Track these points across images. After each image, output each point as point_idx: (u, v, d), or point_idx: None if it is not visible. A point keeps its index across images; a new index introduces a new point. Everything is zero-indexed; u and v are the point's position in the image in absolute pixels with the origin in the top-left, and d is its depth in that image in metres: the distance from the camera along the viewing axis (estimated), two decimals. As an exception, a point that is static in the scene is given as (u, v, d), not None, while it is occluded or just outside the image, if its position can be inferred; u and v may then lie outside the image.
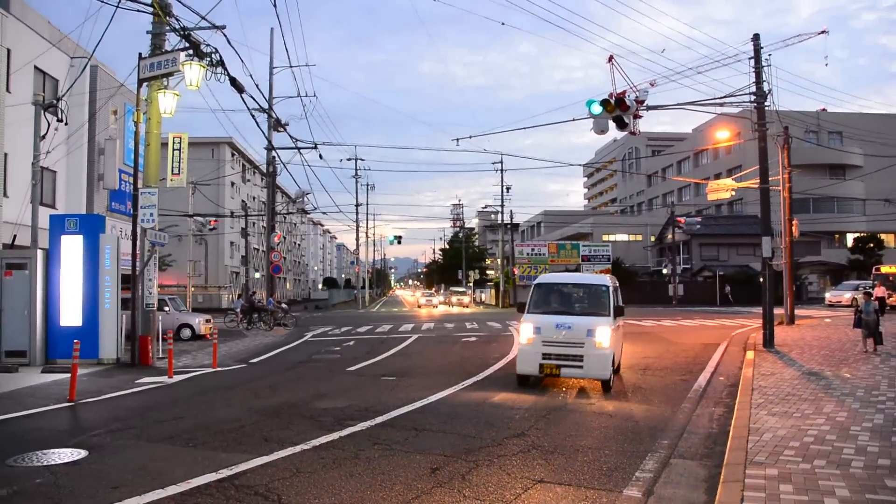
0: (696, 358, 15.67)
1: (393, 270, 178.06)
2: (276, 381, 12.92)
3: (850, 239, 56.16)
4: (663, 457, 6.98)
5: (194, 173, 35.41)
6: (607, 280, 12.43)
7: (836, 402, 9.10)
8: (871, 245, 49.97)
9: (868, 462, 6.15)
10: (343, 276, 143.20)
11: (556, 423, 8.59)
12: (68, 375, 11.26)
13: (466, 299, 57.07)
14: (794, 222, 25.12)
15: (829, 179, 57.16)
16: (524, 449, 7.24)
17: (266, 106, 28.17)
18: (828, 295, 40.99)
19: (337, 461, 6.74)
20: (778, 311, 20.36)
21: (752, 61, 17.71)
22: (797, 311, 26.12)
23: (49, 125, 16.36)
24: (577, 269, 56.18)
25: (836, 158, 58.46)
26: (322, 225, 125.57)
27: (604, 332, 10.90)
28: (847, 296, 37.15)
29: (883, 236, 52.77)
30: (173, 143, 20.63)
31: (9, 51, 17.62)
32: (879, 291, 30.77)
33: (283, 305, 33.61)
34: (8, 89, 18.02)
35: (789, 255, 24.88)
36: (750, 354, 15.18)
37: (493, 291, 63.22)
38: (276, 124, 30.32)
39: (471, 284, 70.40)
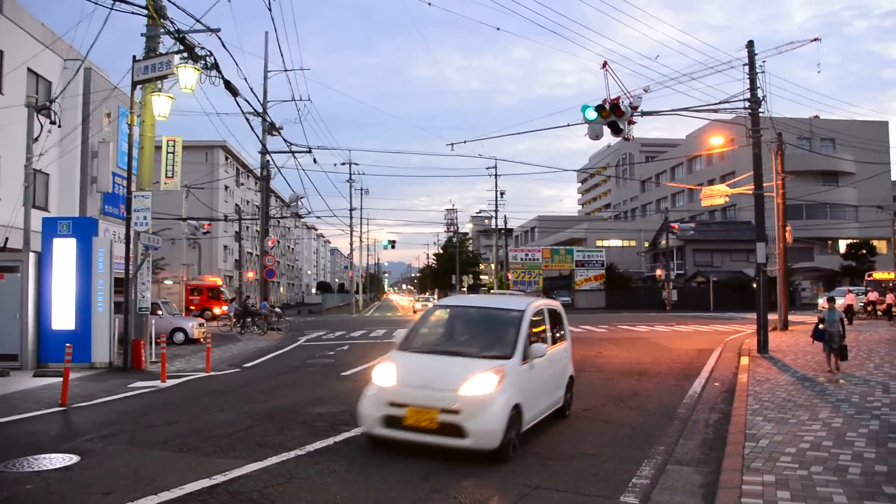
0: (690, 363, 15.66)
1: (387, 275, 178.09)
2: (270, 386, 12.85)
3: (842, 245, 56.47)
4: (660, 463, 6.95)
5: (188, 177, 35.23)
6: None
7: (831, 408, 9.09)
8: (864, 251, 50.21)
9: (865, 468, 6.14)
10: (337, 280, 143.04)
11: (552, 430, 8.55)
12: (60, 379, 11.16)
13: None
14: (787, 228, 25.20)
15: (821, 186, 57.42)
16: (520, 455, 7.19)
17: (260, 109, 28.08)
18: (821, 301, 41.14)
19: (331, 467, 6.68)
20: (772, 316, 20.38)
21: (747, 68, 17.77)
22: (791, 317, 26.23)
23: (42, 127, 16.25)
24: (571, 275, 56.20)
25: (828, 165, 58.73)
26: (316, 229, 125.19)
27: None
28: (840, 301, 37.31)
29: (875, 242, 53.10)
30: (167, 146, 20.58)
31: (2, 52, 17.55)
32: (871, 297, 30.88)
33: (277, 310, 33.47)
34: (1, 91, 17.93)
35: (783, 260, 24.96)
36: (744, 360, 15.18)
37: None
38: (271, 128, 30.21)
39: (465, 289, 70.29)
